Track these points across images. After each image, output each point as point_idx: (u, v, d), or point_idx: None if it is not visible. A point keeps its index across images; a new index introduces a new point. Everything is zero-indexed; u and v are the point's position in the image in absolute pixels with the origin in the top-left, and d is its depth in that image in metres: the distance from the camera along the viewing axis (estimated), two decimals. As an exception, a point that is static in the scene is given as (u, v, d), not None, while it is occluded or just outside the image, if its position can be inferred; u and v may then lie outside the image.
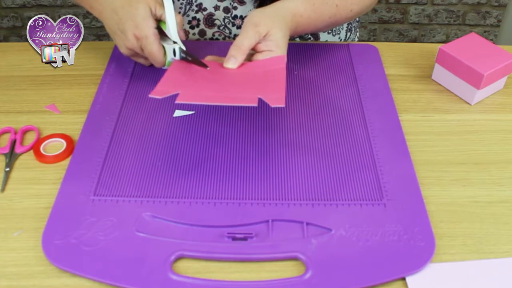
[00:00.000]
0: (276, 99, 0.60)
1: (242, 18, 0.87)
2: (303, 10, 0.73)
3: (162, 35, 0.72)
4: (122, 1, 0.70)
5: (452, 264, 0.55)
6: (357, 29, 1.00)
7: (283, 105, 0.58)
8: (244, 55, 0.67)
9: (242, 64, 0.67)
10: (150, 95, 0.59)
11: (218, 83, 0.65)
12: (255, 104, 0.59)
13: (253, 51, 0.69)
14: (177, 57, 0.71)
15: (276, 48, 0.67)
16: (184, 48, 0.70)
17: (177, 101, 0.59)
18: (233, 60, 0.67)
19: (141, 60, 0.77)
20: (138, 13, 0.69)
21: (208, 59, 0.72)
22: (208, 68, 0.68)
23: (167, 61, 0.73)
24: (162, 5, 0.70)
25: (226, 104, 0.59)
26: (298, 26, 0.73)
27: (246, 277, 0.53)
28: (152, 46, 0.70)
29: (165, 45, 0.72)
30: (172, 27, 0.70)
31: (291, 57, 0.82)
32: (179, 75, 0.66)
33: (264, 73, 0.66)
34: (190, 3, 0.87)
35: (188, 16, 0.88)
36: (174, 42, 0.71)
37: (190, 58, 0.69)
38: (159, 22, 0.72)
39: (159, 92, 0.60)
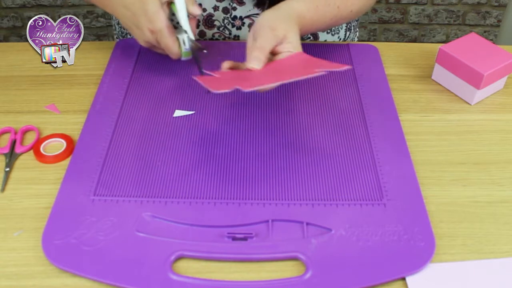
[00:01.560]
0: (337, 66, 0.64)
1: (241, 18, 0.87)
2: (307, 12, 0.73)
3: (175, 24, 0.74)
4: None
5: (452, 264, 0.55)
6: (357, 29, 1.00)
7: (350, 67, 0.69)
8: (267, 58, 0.66)
9: (265, 65, 0.66)
10: (211, 91, 0.60)
11: (270, 73, 0.64)
12: (341, 68, 0.65)
13: (270, 54, 0.69)
14: (187, 46, 0.73)
15: (294, 50, 0.68)
16: (193, 37, 0.72)
17: (244, 90, 0.59)
18: (257, 60, 0.65)
19: (160, 51, 0.78)
20: (149, 7, 0.70)
21: (225, 66, 0.69)
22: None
23: (183, 52, 0.75)
24: None
25: (295, 79, 0.60)
26: (302, 28, 0.73)
27: (246, 277, 0.53)
28: (167, 39, 0.72)
29: (179, 36, 0.73)
30: (182, 16, 0.72)
31: (291, 57, 0.82)
32: (225, 75, 0.67)
33: (296, 62, 0.66)
34: (190, 3, 0.87)
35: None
36: (185, 32, 0.73)
37: (197, 47, 0.72)
38: (170, 5, 0.73)
39: (215, 86, 0.61)
